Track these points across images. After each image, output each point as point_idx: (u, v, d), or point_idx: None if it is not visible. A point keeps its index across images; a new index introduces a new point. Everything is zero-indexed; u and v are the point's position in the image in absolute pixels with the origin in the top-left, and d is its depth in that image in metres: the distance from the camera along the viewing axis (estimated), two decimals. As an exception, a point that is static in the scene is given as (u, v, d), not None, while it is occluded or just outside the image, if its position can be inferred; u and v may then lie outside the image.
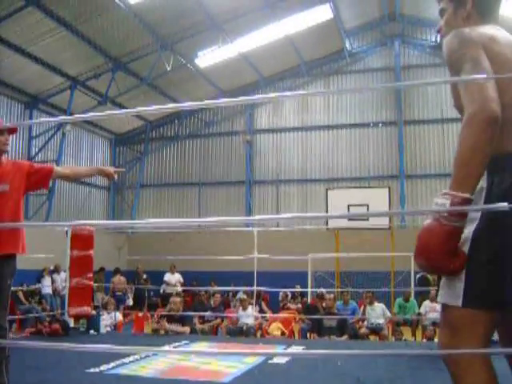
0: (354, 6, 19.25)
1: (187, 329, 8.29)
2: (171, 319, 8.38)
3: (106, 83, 17.98)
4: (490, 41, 1.99)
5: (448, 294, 1.95)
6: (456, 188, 1.81)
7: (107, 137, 23.22)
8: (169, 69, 18.23)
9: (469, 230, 1.87)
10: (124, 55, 17.81)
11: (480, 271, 1.85)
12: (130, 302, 15.24)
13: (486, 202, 1.88)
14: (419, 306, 11.07)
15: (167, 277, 16.22)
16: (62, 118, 9.81)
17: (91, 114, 12.65)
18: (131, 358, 5.30)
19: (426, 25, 20.61)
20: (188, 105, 2.64)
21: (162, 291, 15.95)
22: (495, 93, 1.83)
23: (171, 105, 3.71)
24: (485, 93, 1.82)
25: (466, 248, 1.86)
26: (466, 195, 1.79)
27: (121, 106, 19.53)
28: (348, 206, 12.46)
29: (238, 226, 18.56)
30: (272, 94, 12.95)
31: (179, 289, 14.54)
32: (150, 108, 2.95)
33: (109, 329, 9.59)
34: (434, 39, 20.72)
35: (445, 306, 1.97)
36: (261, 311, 12.04)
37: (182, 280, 16.01)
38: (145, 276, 17.64)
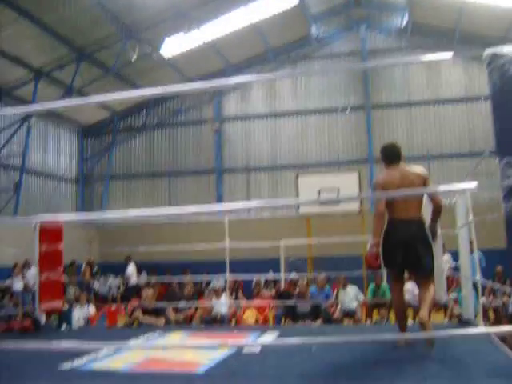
0: (318, -9, 19.26)
1: (161, 320, 8.24)
2: (145, 311, 8.33)
3: (70, 74, 17.70)
4: (382, 181, 5.08)
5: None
6: (373, 237, 4.98)
7: (74, 129, 22.89)
8: (134, 58, 18.01)
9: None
10: (88, 45, 17.54)
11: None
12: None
13: (385, 236, 4.96)
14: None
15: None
16: (26, 107, 9.63)
17: (60, 101, 12.38)
18: (105, 352, 5.24)
19: (390, 9, 20.69)
20: (159, 89, 2.58)
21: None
22: (382, 205, 4.96)
23: (144, 90, 3.58)
24: (378, 206, 4.99)
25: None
26: (376, 240, 4.96)
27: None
28: (318, 191, 12.47)
29: (210, 214, 18.52)
30: (241, 77, 12.85)
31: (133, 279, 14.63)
32: (122, 94, 2.89)
33: (82, 322, 9.51)
34: (399, 23, 20.78)
35: None
36: (236, 299, 12.04)
37: (131, 271, 16.17)
38: (96, 268, 17.52)
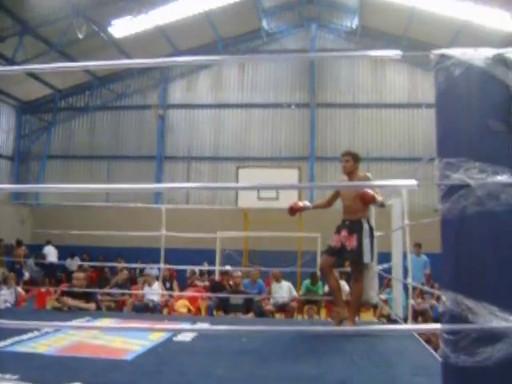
0: (272, -15, 19.29)
1: (92, 305, 8.07)
2: (75, 295, 8.14)
3: (13, 47, 17.12)
4: None
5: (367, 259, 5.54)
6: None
7: (12, 104, 22.17)
8: (81, 36, 17.59)
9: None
10: (33, 19, 16.99)
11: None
12: (27, 276, 14.73)
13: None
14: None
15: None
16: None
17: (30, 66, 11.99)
18: (30, 335, 5.09)
19: (342, 10, 20.93)
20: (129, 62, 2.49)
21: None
22: None
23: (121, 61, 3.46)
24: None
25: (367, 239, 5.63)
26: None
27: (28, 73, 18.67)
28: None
29: (147, 202, 18.33)
30: (186, 58, 12.59)
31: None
32: (97, 63, 2.77)
33: (8, 304, 9.24)
34: (349, 25, 21.04)
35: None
36: (170, 289, 11.96)
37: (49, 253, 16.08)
38: (24, 248, 17.05)
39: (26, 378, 3.48)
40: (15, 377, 3.53)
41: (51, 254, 16.16)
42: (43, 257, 15.91)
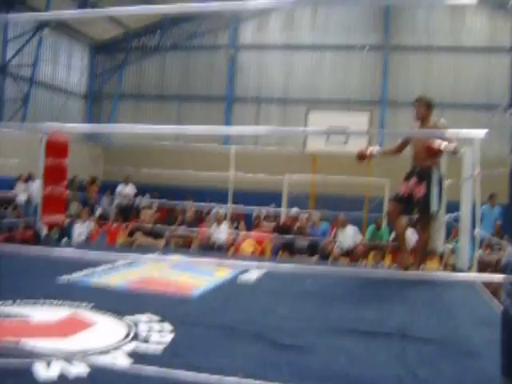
0: None
1: (161, 242, 8.35)
2: (144, 232, 8.42)
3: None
4: None
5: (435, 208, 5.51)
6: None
7: (86, 44, 22.53)
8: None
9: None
10: (107, -42, 17.03)
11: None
12: (99, 212, 15.25)
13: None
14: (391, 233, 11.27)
15: (120, 188, 16.32)
16: (37, 14, 9.46)
17: (72, 11, 12.20)
18: (102, 268, 5.33)
19: None
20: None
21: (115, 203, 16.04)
22: None
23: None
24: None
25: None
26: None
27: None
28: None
29: (216, 141, 18.48)
30: (259, 2, 12.33)
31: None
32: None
33: (83, 237, 9.64)
34: (427, -38, 20.10)
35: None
36: (236, 229, 12.18)
37: (130, 192, 16.21)
38: (97, 184, 17.40)
39: (101, 307, 3.68)
40: (91, 305, 3.74)
41: (131, 194, 16.59)
42: (127, 196, 16.29)
